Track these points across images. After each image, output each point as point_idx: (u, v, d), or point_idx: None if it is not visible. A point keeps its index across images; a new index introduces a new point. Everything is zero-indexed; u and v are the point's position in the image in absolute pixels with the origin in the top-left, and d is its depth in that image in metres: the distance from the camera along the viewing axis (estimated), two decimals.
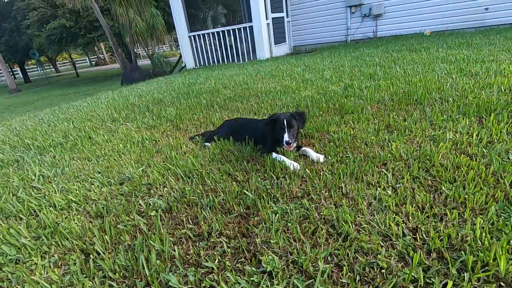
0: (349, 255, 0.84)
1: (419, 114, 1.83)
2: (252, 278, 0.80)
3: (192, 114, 2.57)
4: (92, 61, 46.29)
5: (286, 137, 1.43)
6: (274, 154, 1.51)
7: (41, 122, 3.26)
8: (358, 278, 0.78)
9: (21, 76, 27.01)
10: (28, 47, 22.38)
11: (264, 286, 0.78)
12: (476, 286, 0.72)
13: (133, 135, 2.24)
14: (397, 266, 0.79)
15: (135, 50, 16.92)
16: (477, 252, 0.78)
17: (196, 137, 1.97)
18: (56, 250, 1.03)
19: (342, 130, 1.72)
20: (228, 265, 0.87)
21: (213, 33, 7.50)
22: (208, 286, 0.81)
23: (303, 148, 1.54)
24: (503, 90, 2.00)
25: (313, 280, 0.78)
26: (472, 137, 1.43)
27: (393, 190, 1.13)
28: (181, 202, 1.22)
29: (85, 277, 0.89)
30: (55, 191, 1.47)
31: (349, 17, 7.49)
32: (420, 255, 0.80)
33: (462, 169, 1.19)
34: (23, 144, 2.41)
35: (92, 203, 1.32)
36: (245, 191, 1.21)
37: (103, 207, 1.26)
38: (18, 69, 31.44)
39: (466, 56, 3.13)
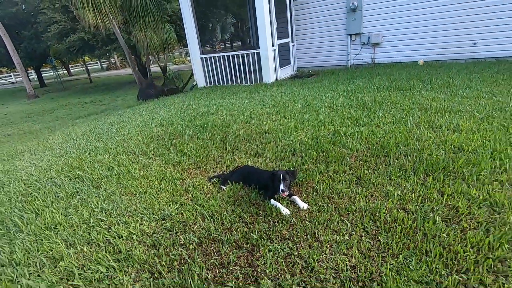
0: (312, 282, 1.44)
1: (384, 168, 2.41)
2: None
3: (209, 153, 3.19)
4: (103, 64, 47.41)
5: (281, 186, 2.03)
6: (272, 201, 2.11)
7: (81, 149, 3.91)
8: None
9: (36, 79, 28.01)
10: (45, 53, 23.38)
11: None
12: None
13: (164, 171, 2.85)
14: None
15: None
16: (382, 282, 1.37)
17: (214, 179, 2.58)
18: (132, 270, 1.64)
19: (324, 181, 2.31)
20: (241, 285, 1.47)
21: (223, 56, 8.16)
22: None
23: (293, 196, 2.14)
24: (452, 148, 2.58)
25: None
26: (413, 195, 2.01)
27: (349, 236, 1.72)
28: (208, 238, 1.83)
29: None
30: (117, 223, 2.09)
31: (350, 44, 8.09)
32: (351, 285, 1.38)
33: (397, 222, 1.77)
34: (75, 174, 3.05)
35: (147, 236, 1.93)
36: (251, 233, 1.81)
37: (155, 239, 1.87)
38: (32, 71, 32.72)
39: (440, 105, 3.70)
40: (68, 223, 2.18)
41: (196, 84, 8.92)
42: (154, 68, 23.62)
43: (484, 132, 2.78)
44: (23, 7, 22.36)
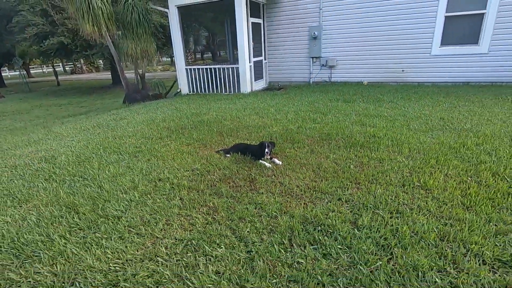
0: (286, 190, 2.81)
1: (327, 145, 3.90)
2: (256, 194, 2.73)
3: (211, 138, 4.47)
4: (66, 67, 45.52)
5: (267, 149, 3.40)
6: (260, 161, 3.46)
7: (102, 136, 4.93)
8: (287, 194, 2.74)
9: None
10: (9, 53, 22.61)
11: (258, 196, 2.71)
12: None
13: (181, 148, 4.07)
14: (300, 193, 2.77)
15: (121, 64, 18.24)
16: (319, 188, 2.79)
17: (219, 151, 3.87)
18: (184, 189, 2.88)
19: (291, 152, 3.73)
20: (249, 191, 2.79)
21: (206, 69, 9.46)
22: (247, 195, 2.72)
23: (273, 158, 3.52)
24: (369, 135, 4.16)
25: (272, 194, 2.73)
26: (341, 156, 3.50)
27: (304, 174, 3.12)
28: (225, 177, 3.12)
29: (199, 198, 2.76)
30: (163, 172, 3.29)
31: (311, 64, 9.87)
32: (305, 190, 2.78)
33: (330, 168, 3.22)
34: (112, 150, 4.13)
35: (186, 177, 3.16)
36: (251, 173, 3.15)
37: (192, 178, 3.11)
38: None
39: (369, 112, 5.39)
40: (128, 174, 3.32)
41: (180, 91, 10.07)
42: (130, 74, 23.94)
43: (389, 128, 4.43)
44: None
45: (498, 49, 7.73)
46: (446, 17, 8.01)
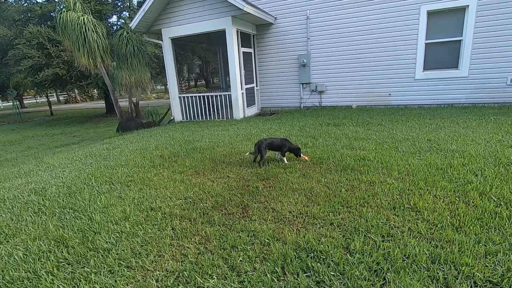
0: (279, 216, 2.81)
1: (319, 169, 3.96)
2: (248, 222, 2.73)
3: (204, 165, 4.50)
4: (60, 97, 45.82)
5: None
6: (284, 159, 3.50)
7: (94, 166, 4.92)
8: (279, 220, 2.74)
9: None
10: (4, 84, 22.80)
11: (251, 223, 2.70)
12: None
13: (174, 176, 4.08)
14: (293, 219, 2.78)
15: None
16: (312, 213, 2.80)
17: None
18: (176, 219, 2.85)
19: (284, 177, 3.76)
20: (241, 220, 2.78)
21: (199, 96, 9.66)
22: (239, 222, 2.71)
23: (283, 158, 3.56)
24: (359, 159, 4.25)
25: (265, 221, 2.73)
26: (332, 180, 3.55)
27: (296, 199, 3.14)
28: (217, 204, 3.12)
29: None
30: (155, 202, 3.27)
31: (302, 90, 10.18)
32: (297, 215, 2.79)
33: (322, 192, 3.25)
34: (104, 180, 4.11)
35: (178, 206, 3.15)
36: (244, 199, 3.15)
37: (184, 207, 3.10)
38: None
39: (358, 135, 5.53)
40: (119, 204, 3.29)
41: (173, 118, 10.19)
42: (124, 103, 24.20)
43: (378, 150, 4.54)
44: None
45: (477, 73, 8.14)
46: (426, 44, 8.49)
